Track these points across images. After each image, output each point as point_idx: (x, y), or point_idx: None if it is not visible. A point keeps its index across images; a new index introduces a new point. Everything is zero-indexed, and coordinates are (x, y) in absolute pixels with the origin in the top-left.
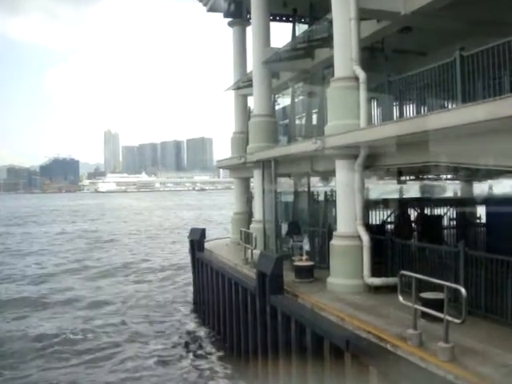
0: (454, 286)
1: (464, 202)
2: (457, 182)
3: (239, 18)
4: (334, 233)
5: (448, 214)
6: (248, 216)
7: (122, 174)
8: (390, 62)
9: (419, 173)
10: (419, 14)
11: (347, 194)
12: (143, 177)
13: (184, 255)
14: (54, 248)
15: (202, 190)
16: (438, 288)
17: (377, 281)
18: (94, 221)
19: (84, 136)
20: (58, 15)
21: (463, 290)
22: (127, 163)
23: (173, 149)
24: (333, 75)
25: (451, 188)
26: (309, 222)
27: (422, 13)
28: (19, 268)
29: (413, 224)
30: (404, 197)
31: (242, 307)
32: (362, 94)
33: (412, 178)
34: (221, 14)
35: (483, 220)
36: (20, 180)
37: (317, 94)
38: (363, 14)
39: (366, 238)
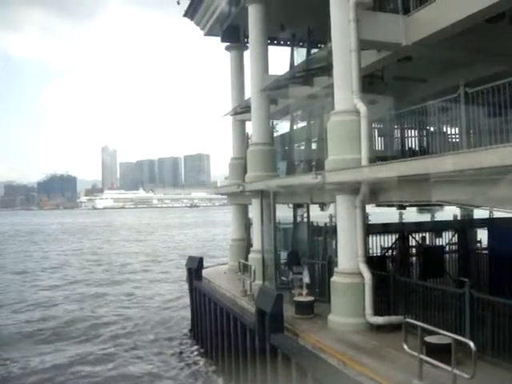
0: (461, 339)
1: (463, 226)
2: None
3: (237, 42)
4: (335, 269)
5: (448, 239)
6: (246, 243)
7: (119, 190)
8: (389, 88)
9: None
10: (420, 44)
11: (348, 230)
12: (141, 193)
13: None
14: None
15: (195, 206)
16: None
17: (379, 320)
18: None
19: (81, 152)
20: (56, 31)
21: (472, 345)
22: (125, 179)
23: (170, 165)
24: (333, 107)
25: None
26: (308, 253)
27: (422, 43)
28: None
29: (413, 255)
30: (404, 221)
31: (240, 342)
32: (364, 129)
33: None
34: (218, 38)
35: (484, 243)
36: (17, 197)
37: (316, 121)
38: (364, 46)
39: (367, 275)
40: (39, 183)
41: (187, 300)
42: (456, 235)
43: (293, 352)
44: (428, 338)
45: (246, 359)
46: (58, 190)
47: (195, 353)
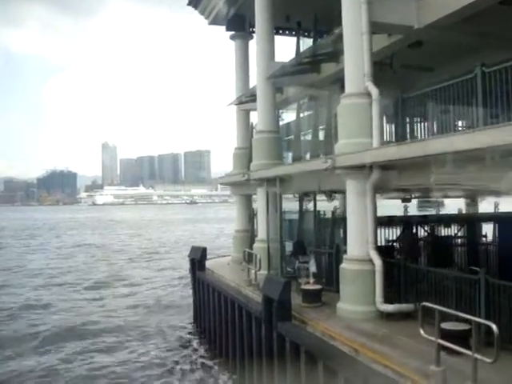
0: (484, 322)
1: (470, 220)
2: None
3: (242, 31)
4: (344, 256)
5: (455, 232)
6: (250, 234)
7: (119, 186)
8: (396, 76)
9: (426, 191)
10: (432, 27)
11: (358, 216)
12: (141, 189)
13: None
14: None
15: (193, 202)
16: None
17: (390, 307)
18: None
19: (81, 148)
20: (57, 27)
21: (494, 327)
22: (125, 176)
23: (170, 161)
24: (342, 91)
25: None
26: (315, 241)
27: (435, 26)
28: None
29: (421, 244)
30: (410, 214)
31: (246, 331)
32: (375, 111)
33: (417, 195)
34: (223, 28)
35: (489, 238)
36: (17, 192)
37: (323, 109)
38: (375, 29)
39: (378, 262)
40: (39, 179)
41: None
42: (463, 228)
43: (302, 340)
44: (444, 325)
45: (251, 348)
46: (57, 186)
47: (199, 344)
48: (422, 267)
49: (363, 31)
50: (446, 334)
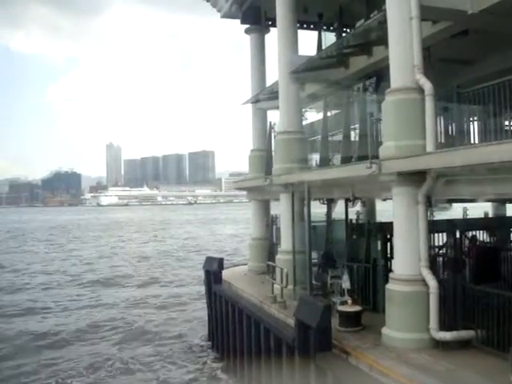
0: None
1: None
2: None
3: (257, 24)
4: (390, 275)
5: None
6: (268, 242)
7: (123, 187)
8: (434, 71)
9: None
10: (489, 13)
11: (408, 229)
12: (145, 190)
13: None
14: None
15: (193, 203)
16: None
17: (447, 335)
18: None
19: (86, 149)
20: (60, 28)
21: None
22: (129, 176)
23: (175, 162)
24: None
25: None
26: (347, 254)
27: (490, 12)
28: None
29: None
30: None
31: (274, 358)
32: (429, 109)
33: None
34: (236, 21)
35: None
36: (22, 193)
37: (355, 107)
38: (424, 14)
39: (433, 283)
40: (43, 180)
41: None
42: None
43: (347, 376)
44: None
45: (280, 379)
46: (62, 187)
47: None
48: (486, 289)
49: (412, 15)
50: None
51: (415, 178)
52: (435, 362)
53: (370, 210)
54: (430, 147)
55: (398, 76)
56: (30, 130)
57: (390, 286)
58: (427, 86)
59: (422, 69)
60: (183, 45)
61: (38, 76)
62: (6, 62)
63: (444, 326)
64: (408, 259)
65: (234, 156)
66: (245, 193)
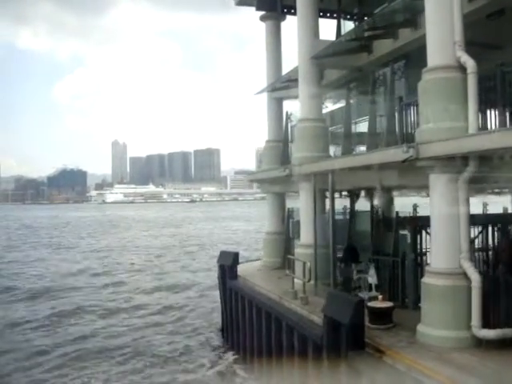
0: None
1: None
2: None
3: (273, 10)
4: (426, 268)
5: None
6: (284, 237)
7: (129, 184)
8: None
9: None
10: None
11: (447, 219)
12: (150, 188)
13: None
14: None
15: (193, 201)
16: None
17: (491, 333)
18: None
19: (91, 147)
20: (66, 26)
21: None
22: (134, 174)
23: (180, 160)
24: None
25: None
26: (372, 248)
27: None
28: None
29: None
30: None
31: (298, 358)
32: (471, 88)
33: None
34: (251, 9)
35: None
36: (28, 191)
37: (381, 94)
38: None
39: (475, 276)
40: (49, 177)
41: None
42: None
43: (384, 377)
44: None
45: (305, 379)
46: (67, 185)
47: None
48: None
49: None
50: None
51: (456, 162)
52: (479, 363)
53: (388, 203)
54: (472, 129)
55: (436, 52)
56: (35, 127)
57: (426, 280)
58: (470, 63)
59: (464, 45)
60: (188, 43)
61: (44, 74)
62: (12, 60)
63: (488, 324)
64: (447, 250)
65: (240, 154)
66: (250, 190)
